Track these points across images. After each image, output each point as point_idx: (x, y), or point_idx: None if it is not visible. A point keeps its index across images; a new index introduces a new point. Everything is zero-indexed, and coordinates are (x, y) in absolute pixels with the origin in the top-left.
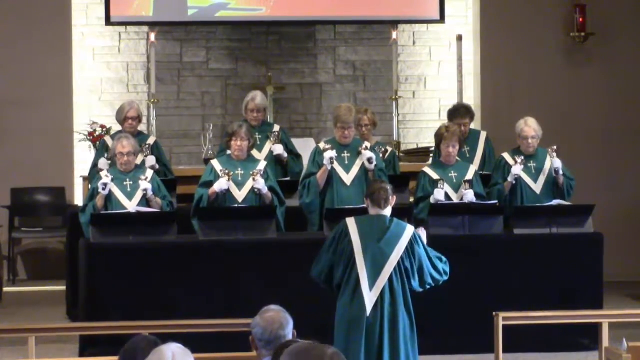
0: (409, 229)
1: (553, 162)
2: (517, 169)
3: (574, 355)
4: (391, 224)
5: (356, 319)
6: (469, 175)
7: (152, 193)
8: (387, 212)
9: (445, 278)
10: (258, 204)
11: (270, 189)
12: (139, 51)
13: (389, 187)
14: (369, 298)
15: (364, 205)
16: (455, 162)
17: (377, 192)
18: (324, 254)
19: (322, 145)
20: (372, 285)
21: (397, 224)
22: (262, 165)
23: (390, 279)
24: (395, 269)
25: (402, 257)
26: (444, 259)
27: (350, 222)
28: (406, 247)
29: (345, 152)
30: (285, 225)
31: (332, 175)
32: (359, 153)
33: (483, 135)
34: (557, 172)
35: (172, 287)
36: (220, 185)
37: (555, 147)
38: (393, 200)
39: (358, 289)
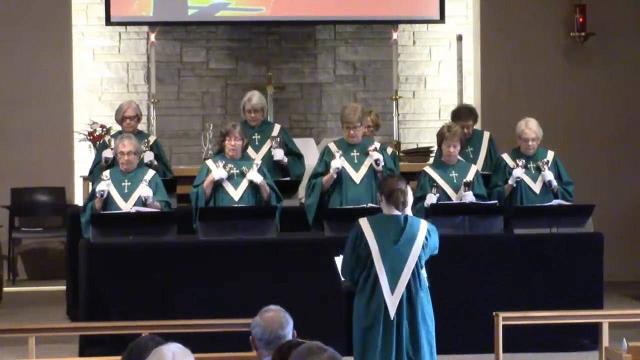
0: (423, 225)
1: (544, 175)
2: (518, 172)
3: (574, 355)
4: (406, 224)
5: (374, 318)
6: (469, 177)
7: (151, 200)
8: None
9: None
10: (255, 202)
11: (268, 186)
12: (139, 51)
13: (405, 186)
14: (391, 301)
15: (367, 206)
16: (457, 162)
17: (394, 193)
18: (348, 257)
19: (332, 146)
20: (393, 288)
21: (411, 222)
22: (257, 160)
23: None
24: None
25: (419, 256)
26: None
27: (365, 224)
28: (422, 244)
29: (355, 151)
30: (282, 224)
31: (341, 173)
32: (368, 153)
33: (486, 135)
34: (550, 184)
35: (172, 287)
36: (220, 174)
37: (546, 160)
38: (410, 199)
39: (377, 290)
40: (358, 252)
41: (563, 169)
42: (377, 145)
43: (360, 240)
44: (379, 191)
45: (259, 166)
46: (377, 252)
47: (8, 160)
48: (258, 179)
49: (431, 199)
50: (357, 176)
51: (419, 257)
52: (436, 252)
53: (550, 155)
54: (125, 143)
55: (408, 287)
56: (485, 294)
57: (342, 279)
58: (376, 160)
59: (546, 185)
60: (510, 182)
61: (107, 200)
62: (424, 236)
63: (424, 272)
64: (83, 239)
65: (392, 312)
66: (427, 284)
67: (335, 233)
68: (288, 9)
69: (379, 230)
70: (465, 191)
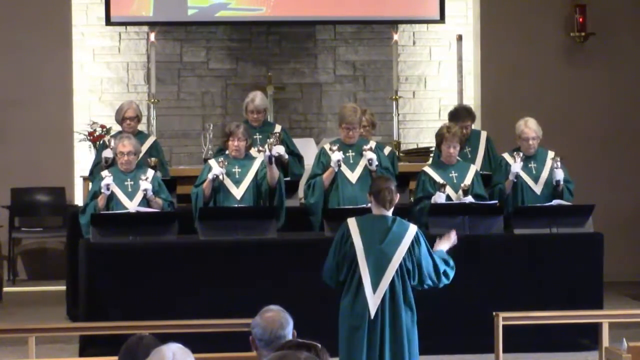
0: (412, 229)
1: (556, 173)
2: (517, 167)
3: (574, 355)
4: (393, 225)
5: (359, 319)
6: (468, 179)
7: (152, 194)
8: (391, 210)
9: (446, 282)
10: (256, 202)
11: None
12: (139, 51)
13: (393, 186)
14: (373, 301)
15: (366, 206)
16: (456, 162)
17: (382, 192)
18: (331, 258)
19: (327, 146)
20: (375, 287)
21: (399, 224)
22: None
23: (392, 279)
24: (397, 269)
25: (404, 258)
26: (452, 263)
27: (352, 224)
28: (408, 248)
29: (350, 151)
30: (286, 220)
31: (337, 174)
32: (362, 153)
33: (484, 135)
34: (558, 183)
35: (172, 287)
36: (214, 171)
37: (559, 158)
38: (397, 198)
39: (361, 290)
40: (344, 251)
41: (564, 168)
42: (372, 145)
43: (346, 240)
44: (369, 192)
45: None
46: (361, 251)
47: (8, 160)
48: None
49: (440, 197)
50: (353, 176)
51: (404, 259)
52: (437, 282)
53: (550, 155)
54: (125, 143)
55: (392, 287)
56: (485, 294)
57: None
58: (369, 160)
59: (546, 186)
60: (510, 177)
61: (111, 200)
62: (410, 239)
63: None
64: (83, 239)
65: (373, 312)
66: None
67: (335, 233)
68: (288, 9)
69: (366, 229)
70: (463, 196)
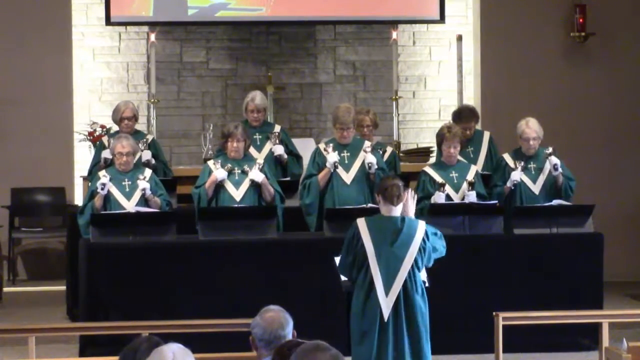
0: (421, 227)
1: (550, 160)
2: (516, 175)
3: (574, 355)
4: (403, 225)
5: (371, 320)
6: (470, 176)
7: (150, 192)
8: (399, 209)
9: (444, 253)
10: (256, 203)
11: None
12: (139, 51)
13: (401, 183)
14: (385, 303)
15: (366, 206)
16: (457, 162)
17: (390, 188)
18: (344, 255)
19: (322, 146)
20: (387, 290)
21: (408, 224)
22: (260, 160)
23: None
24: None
25: (415, 257)
26: (439, 233)
27: (362, 225)
28: (420, 247)
29: (345, 151)
30: (284, 224)
31: (332, 174)
32: (358, 154)
33: (487, 135)
34: (555, 168)
35: (172, 287)
36: (221, 174)
37: (550, 149)
38: (405, 196)
39: (372, 291)
40: (355, 252)
41: (564, 167)
42: (368, 146)
43: (357, 241)
44: (376, 192)
45: (261, 165)
46: (372, 253)
47: (8, 160)
48: (259, 177)
49: (440, 197)
50: (348, 177)
51: (416, 260)
52: (442, 253)
53: (547, 151)
54: (124, 144)
55: (404, 288)
56: (485, 294)
57: (342, 277)
58: (369, 164)
59: (545, 187)
60: (508, 184)
61: (109, 200)
62: (421, 238)
63: (423, 274)
64: (83, 239)
65: (386, 314)
66: (424, 286)
67: (335, 233)
68: (288, 9)
69: (375, 231)
70: (469, 190)
